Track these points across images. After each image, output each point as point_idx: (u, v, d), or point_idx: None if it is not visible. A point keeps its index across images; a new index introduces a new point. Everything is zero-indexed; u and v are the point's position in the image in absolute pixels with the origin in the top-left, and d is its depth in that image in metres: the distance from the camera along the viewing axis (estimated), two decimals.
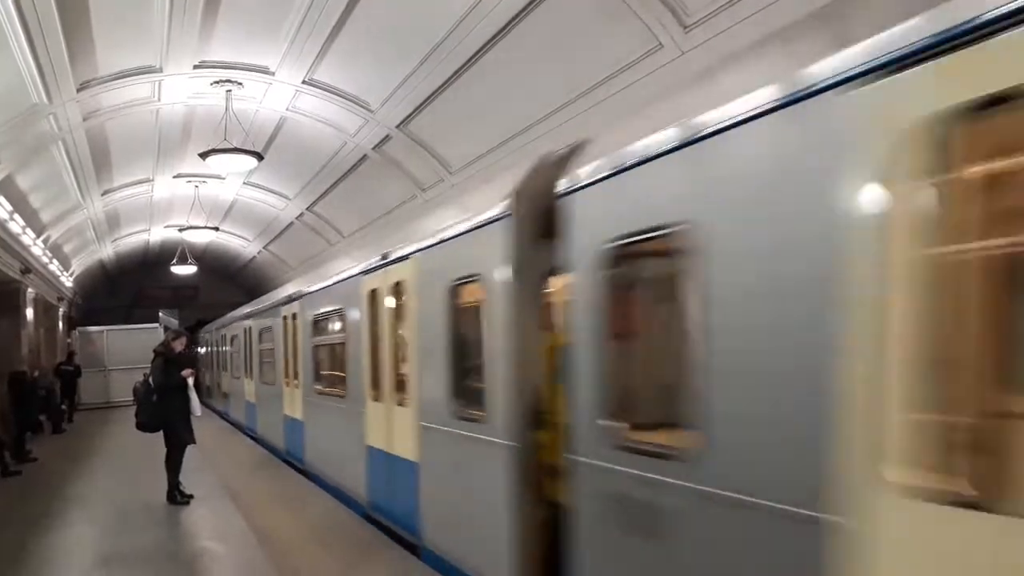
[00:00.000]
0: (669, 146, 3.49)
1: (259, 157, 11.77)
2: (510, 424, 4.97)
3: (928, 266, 2.39)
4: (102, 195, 16.50)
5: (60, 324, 24.71)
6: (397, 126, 11.36)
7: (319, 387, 10.52)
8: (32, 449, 14.39)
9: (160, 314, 28.39)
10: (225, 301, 26.71)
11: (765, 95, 2.97)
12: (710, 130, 3.22)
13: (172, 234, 21.87)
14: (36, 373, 17.11)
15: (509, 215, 4.96)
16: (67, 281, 23.44)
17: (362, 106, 11.23)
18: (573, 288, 4.27)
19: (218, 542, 7.64)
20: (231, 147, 11.42)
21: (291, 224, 19.37)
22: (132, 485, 10.79)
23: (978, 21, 2.21)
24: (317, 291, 10.50)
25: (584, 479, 4.15)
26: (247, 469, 12.39)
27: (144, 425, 9.49)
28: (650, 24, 7.01)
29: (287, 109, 12.04)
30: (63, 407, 20.43)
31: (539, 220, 4.69)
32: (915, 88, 2.41)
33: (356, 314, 8.52)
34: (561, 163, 4.59)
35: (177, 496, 9.44)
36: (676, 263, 3.43)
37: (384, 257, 7.57)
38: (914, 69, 2.40)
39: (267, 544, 7.35)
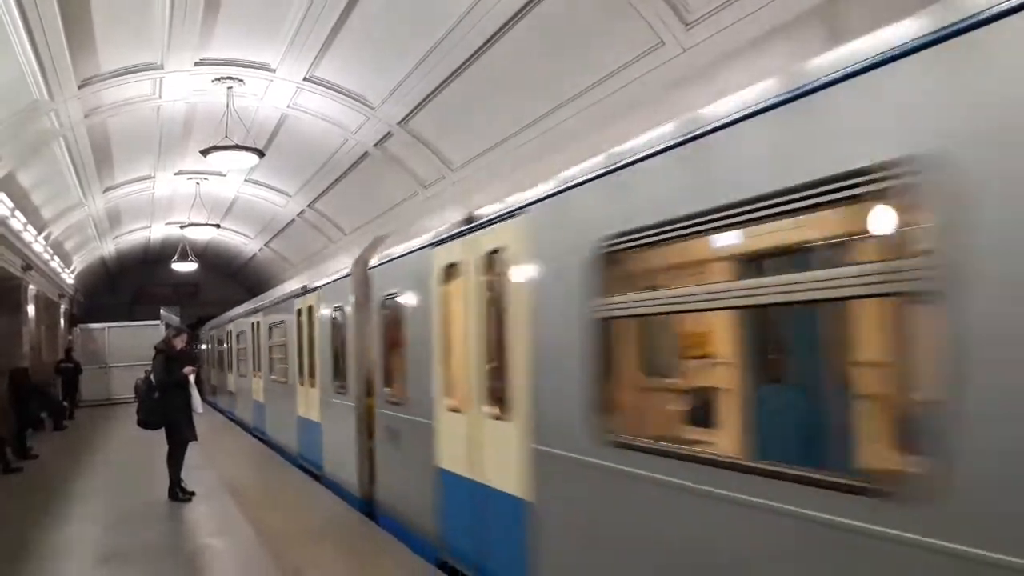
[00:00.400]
0: (393, 257, 7.48)
1: (260, 154, 11.78)
2: (357, 394, 8.79)
3: (446, 322, 6.21)
4: (103, 192, 16.51)
5: (61, 321, 24.74)
6: (398, 123, 11.36)
7: (273, 377, 14.05)
8: (33, 446, 14.41)
9: (161, 311, 28.42)
10: (226, 298, 26.73)
11: (408, 245, 6.95)
12: (401, 253, 7.19)
13: (173, 231, 21.89)
14: (48, 382, 17.09)
15: (351, 274, 8.76)
16: (68, 278, 23.47)
17: (363, 103, 11.23)
18: (373, 319, 8.15)
19: (219, 539, 7.65)
20: (232, 144, 11.43)
21: (292, 221, 19.37)
22: (133, 482, 10.80)
23: (453, 232, 5.96)
24: (271, 307, 14.26)
25: (379, 420, 7.99)
26: (248, 466, 12.41)
27: (146, 422, 9.49)
28: (651, 21, 7.00)
29: (288, 106, 12.04)
30: (64, 404, 20.45)
31: (365, 279, 8.39)
32: (442, 253, 6.15)
33: (292, 325, 12.10)
34: (374, 247, 8.40)
35: (179, 493, 9.44)
36: (397, 311, 7.33)
37: (304, 288, 11.34)
38: (440, 246, 6.19)
39: (267, 540, 7.36)
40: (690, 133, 3.33)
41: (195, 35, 9.56)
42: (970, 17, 2.23)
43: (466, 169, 11.28)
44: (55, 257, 19.52)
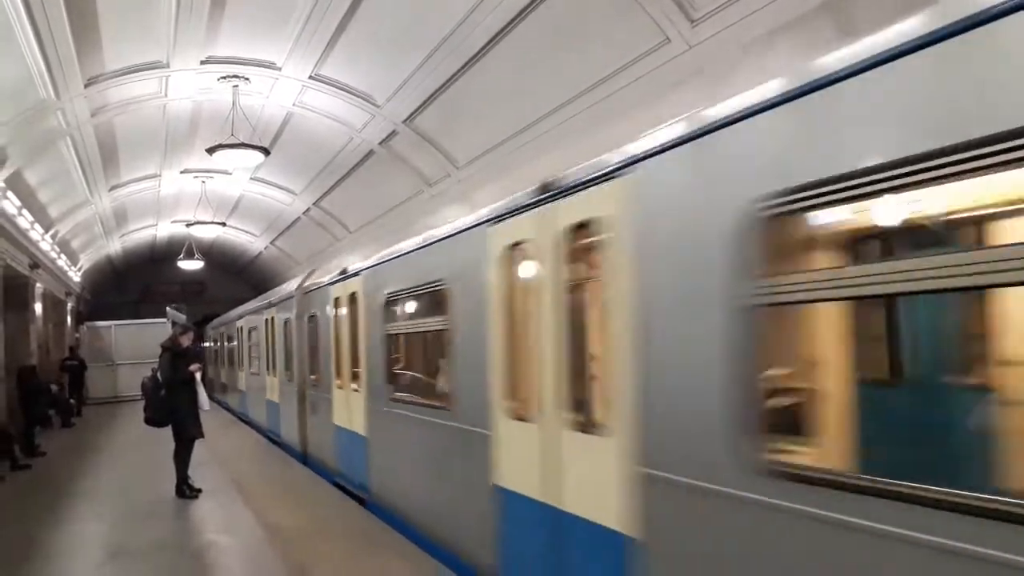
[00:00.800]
0: (313, 288, 11.10)
1: (266, 152, 11.80)
2: (298, 380, 12.13)
3: (336, 332, 9.83)
4: (109, 190, 16.56)
5: (68, 319, 24.82)
6: (403, 121, 11.36)
7: (252, 370, 17.65)
8: (41, 443, 14.48)
9: (167, 309, 28.50)
10: (232, 296, 26.79)
11: (319, 282, 10.86)
12: (317, 286, 10.86)
13: (179, 229, 21.93)
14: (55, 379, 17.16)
15: (294, 296, 12.37)
16: (75, 276, 23.54)
17: (368, 101, 11.24)
18: (304, 329, 11.58)
19: (226, 535, 7.68)
20: (238, 142, 11.45)
21: (298, 219, 19.40)
22: (140, 479, 10.85)
23: (337, 278, 9.81)
24: (250, 316, 17.77)
25: (308, 398, 11.54)
26: (253, 462, 12.44)
27: (152, 420, 9.53)
28: (657, 19, 6.99)
29: (294, 104, 12.06)
30: (71, 401, 20.54)
31: (306, 298, 11.58)
32: (333, 290, 9.87)
33: (262, 330, 15.87)
34: (308, 276, 11.84)
35: (185, 490, 9.47)
36: (316, 324, 10.87)
37: (269, 303, 15.21)
38: (332, 285, 9.97)
39: (274, 537, 7.39)
40: (395, 253, 7.46)
41: (201, 33, 9.58)
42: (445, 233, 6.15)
43: (471, 167, 11.28)
44: (62, 255, 19.58)
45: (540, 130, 9.29)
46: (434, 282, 6.38)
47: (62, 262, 20.14)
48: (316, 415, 11.06)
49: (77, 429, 18.55)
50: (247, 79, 11.06)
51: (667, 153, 3.51)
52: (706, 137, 3.27)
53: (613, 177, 3.92)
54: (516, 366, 5.13)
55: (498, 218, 5.22)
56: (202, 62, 10.47)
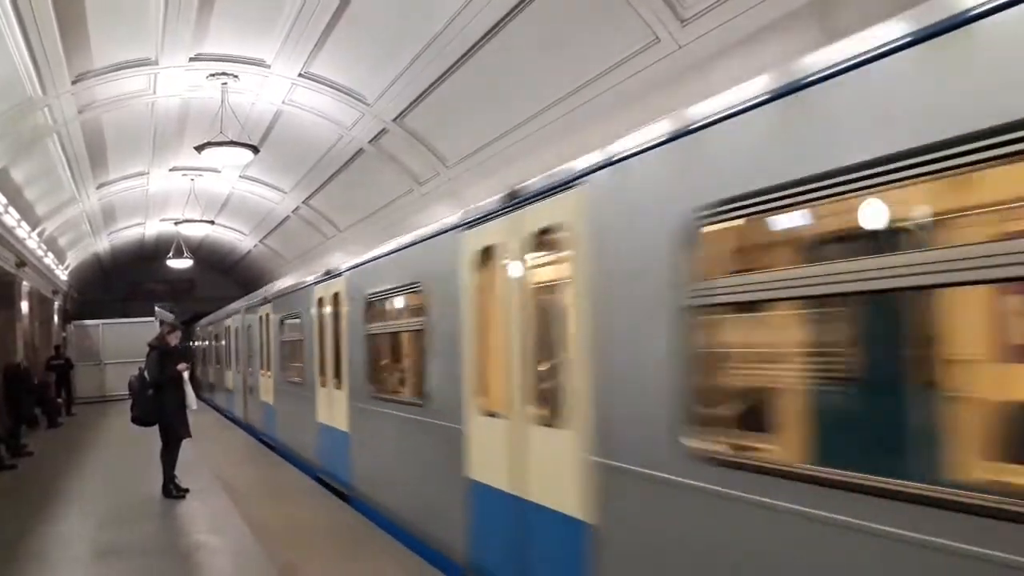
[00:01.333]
0: (252, 306, 16.23)
1: (255, 150, 11.75)
2: (244, 372, 17.34)
3: (265, 340, 14.73)
4: (97, 188, 16.46)
5: (55, 317, 24.65)
6: (393, 120, 11.33)
7: (216, 366, 22.72)
8: (28, 443, 14.37)
9: (156, 308, 28.35)
10: (221, 295, 26.67)
11: (253, 302, 16.47)
12: (256, 305, 15.79)
13: (168, 227, 21.83)
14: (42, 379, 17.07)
15: (240, 312, 17.99)
16: (62, 274, 23.39)
17: (358, 99, 11.21)
18: (246, 333, 16.97)
19: (214, 535, 7.65)
20: (227, 140, 11.39)
21: (287, 218, 19.33)
22: (127, 479, 10.79)
23: (262, 302, 15.29)
24: (219, 323, 21.78)
25: (248, 384, 16.78)
26: (241, 462, 12.40)
27: (139, 419, 9.47)
28: (647, 18, 7.00)
29: (283, 102, 12.01)
30: (59, 400, 20.39)
31: (248, 313, 16.56)
32: (260, 310, 15.19)
33: (223, 335, 20.67)
34: (251, 299, 17.34)
35: (172, 490, 9.42)
36: (250, 332, 16.43)
37: (228, 314, 19.68)
38: (261, 307, 15.19)
39: (262, 537, 7.36)
40: (280, 292, 13.15)
41: (189, 31, 9.53)
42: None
43: (460, 166, 11.27)
44: (49, 253, 19.46)
45: (529, 129, 9.29)
46: (296, 312, 11.55)
47: (49, 260, 20.01)
48: (251, 395, 15.98)
49: (64, 428, 18.44)
50: (236, 77, 11.01)
51: (356, 268, 8.41)
52: (362, 266, 8.15)
53: (340, 276, 9.04)
54: (327, 356, 9.76)
55: (318, 281, 10.12)
56: (191, 59, 10.41)
